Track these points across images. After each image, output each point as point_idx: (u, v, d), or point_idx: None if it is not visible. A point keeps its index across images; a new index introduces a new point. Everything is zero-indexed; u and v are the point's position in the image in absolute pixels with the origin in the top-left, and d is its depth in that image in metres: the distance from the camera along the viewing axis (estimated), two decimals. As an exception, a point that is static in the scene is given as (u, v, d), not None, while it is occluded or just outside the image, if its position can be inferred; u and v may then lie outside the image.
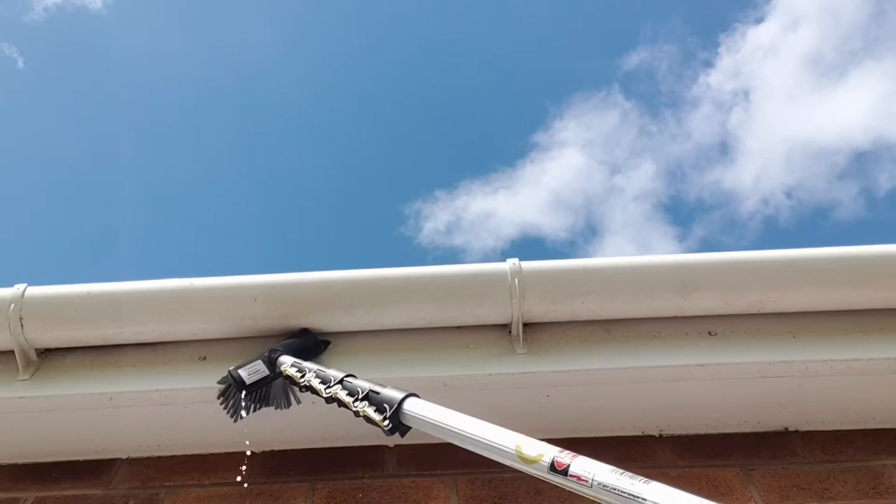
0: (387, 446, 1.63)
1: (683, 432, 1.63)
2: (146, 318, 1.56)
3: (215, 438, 1.63)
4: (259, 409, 1.44)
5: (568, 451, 0.96)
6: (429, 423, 1.13)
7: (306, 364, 1.38)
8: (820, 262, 1.56)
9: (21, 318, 1.53)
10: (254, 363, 1.44)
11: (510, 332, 1.58)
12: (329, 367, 1.33)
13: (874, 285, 1.56)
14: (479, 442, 1.05)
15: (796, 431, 1.62)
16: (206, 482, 1.57)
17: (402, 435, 1.18)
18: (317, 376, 1.31)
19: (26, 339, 1.55)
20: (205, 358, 1.59)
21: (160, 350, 1.60)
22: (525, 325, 1.57)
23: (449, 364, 1.53)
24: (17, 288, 1.57)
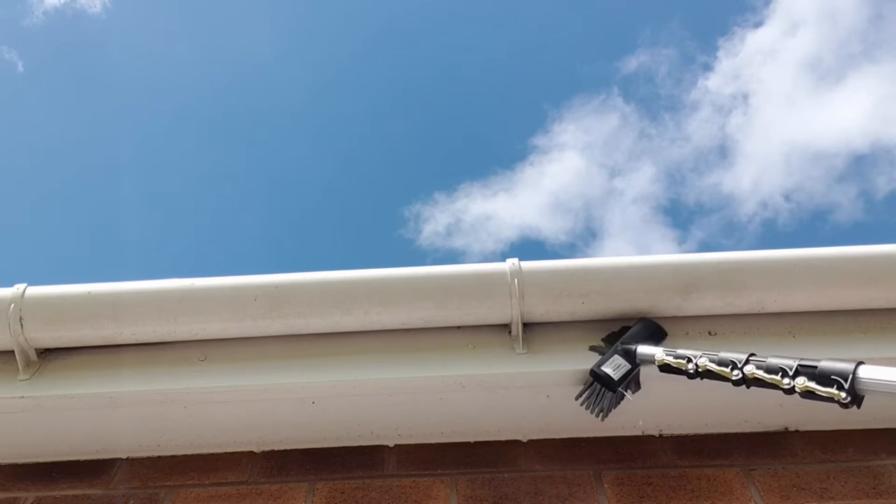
0: (387, 446, 1.63)
1: (683, 432, 1.63)
2: (146, 318, 1.56)
3: (215, 438, 1.63)
4: (619, 403, 1.43)
5: None
6: None
7: (683, 351, 1.34)
8: (820, 262, 1.57)
9: (21, 318, 1.53)
10: (612, 359, 1.43)
11: (510, 332, 1.59)
12: (720, 351, 1.28)
13: (874, 285, 1.56)
14: None
15: (796, 431, 1.62)
16: (206, 482, 1.57)
17: (859, 406, 1.09)
18: (711, 360, 1.28)
19: (26, 339, 1.55)
20: (205, 358, 1.59)
21: (160, 350, 1.60)
22: (525, 324, 1.57)
23: (449, 364, 1.53)
24: (17, 288, 1.57)
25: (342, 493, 1.52)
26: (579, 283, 1.55)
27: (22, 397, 1.52)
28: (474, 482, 1.53)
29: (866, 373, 1.07)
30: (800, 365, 1.15)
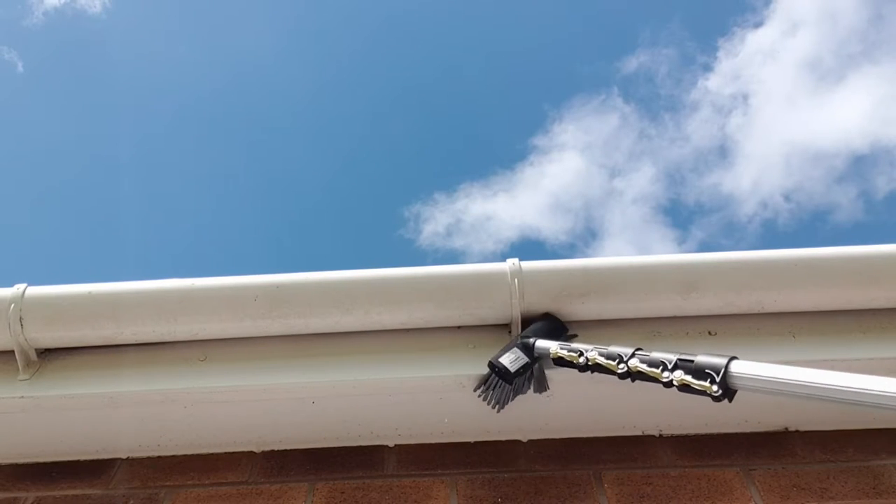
0: (387, 446, 1.63)
1: (683, 432, 1.63)
2: (146, 318, 1.56)
3: (215, 438, 1.63)
4: (515, 397, 1.44)
5: None
6: (768, 381, 1.02)
7: (577, 345, 1.35)
8: (820, 261, 1.57)
9: (21, 318, 1.53)
10: (510, 351, 1.43)
11: (510, 331, 1.58)
12: (609, 345, 1.29)
13: (874, 285, 1.56)
14: (858, 392, 0.91)
15: (796, 431, 1.62)
16: (206, 482, 1.56)
17: (731, 400, 1.11)
18: (600, 354, 1.29)
19: (26, 339, 1.55)
20: (205, 358, 1.59)
21: (160, 350, 1.60)
22: (525, 324, 1.57)
23: (449, 364, 1.53)
24: (17, 288, 1.57)
25: (342, 493, 1.52)
26: (579, 284, 1.55)
27: (22, 397, 1.52)
28: (474, 482, 1.53)
29: (738, 368, 1.08)
30: (679, 359, 1.17)
